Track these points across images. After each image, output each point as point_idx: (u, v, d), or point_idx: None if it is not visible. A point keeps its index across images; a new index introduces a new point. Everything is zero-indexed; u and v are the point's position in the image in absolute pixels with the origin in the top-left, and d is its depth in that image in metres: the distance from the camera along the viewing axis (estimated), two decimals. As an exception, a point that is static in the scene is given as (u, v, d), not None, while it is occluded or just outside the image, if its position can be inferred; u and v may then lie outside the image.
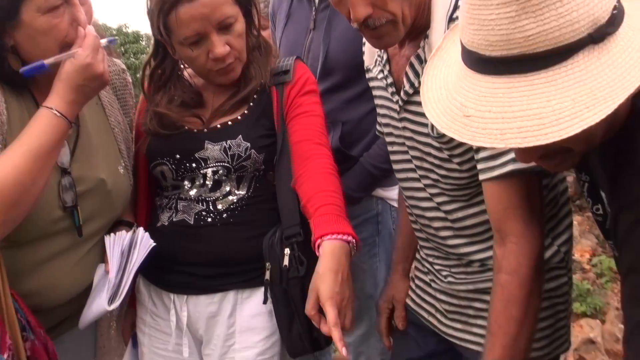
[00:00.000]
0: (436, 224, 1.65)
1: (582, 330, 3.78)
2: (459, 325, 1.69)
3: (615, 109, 0.97)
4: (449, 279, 1.68)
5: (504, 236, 1.40)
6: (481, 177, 1.42)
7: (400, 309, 1.89)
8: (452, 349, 1.74)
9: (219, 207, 1.81)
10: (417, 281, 1.85)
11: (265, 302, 1.80)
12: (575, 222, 4.51)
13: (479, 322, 1.63)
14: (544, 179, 1.48)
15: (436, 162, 1.55)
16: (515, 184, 1.38)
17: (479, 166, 1.42)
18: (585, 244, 5.60)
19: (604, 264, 5.24)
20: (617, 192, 1.15)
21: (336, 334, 1.47)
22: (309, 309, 1.55)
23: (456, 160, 1.49)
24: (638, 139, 1.12)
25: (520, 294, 1.36)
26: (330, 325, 1.48)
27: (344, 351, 1.45)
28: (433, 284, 1.75)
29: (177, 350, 1.90)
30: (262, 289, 1.81)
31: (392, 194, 2.20)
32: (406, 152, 1.65)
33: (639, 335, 1.09)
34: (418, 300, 1.83)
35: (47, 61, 1.56)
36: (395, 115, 1.63)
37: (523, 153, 1.17)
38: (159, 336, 1.92)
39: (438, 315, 1.75)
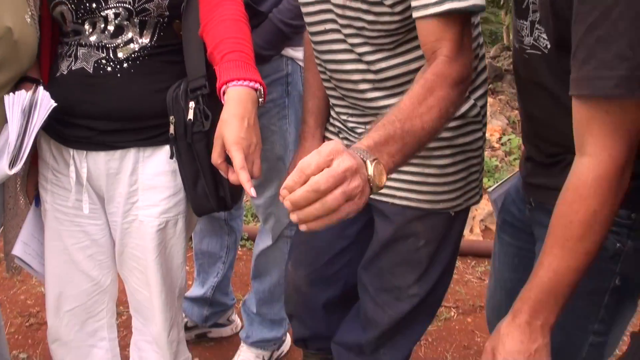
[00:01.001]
0: (355, 77, 1.61)
1: (488, 203, 3.92)
2: None
3: None
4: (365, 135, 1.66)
5: None
6: (415, 14, 1.38)
7: None
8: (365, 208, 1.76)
9: (120, 55, 1.70)
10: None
11: (172, 157, 1.75)
12: (487, 99, 4.59)
13: (393, 176, 1.61)
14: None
15: (364, 7, 1.48)
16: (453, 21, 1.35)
17: (413, 3, 1.37)
18: (495, 124, 5.75)
19: (512, 143, 5.42)
20: None
21: (243, 176, 1.44)
22: (215, 157, 1.52)
23: (388, 1, 1.44)
24: None
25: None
26: (237, 169, 1.45)
27: (252, 192, 1.42)
28: (346, 142, 1.72)
29: (78, 206, 1.84)
30: (165, 148, 1.76)
31: (302, 54, 2.13)
32: (326, 1, 1.57)
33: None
34: None
35: None
36: None
37: None
38: (61, 192, 1.85)
39: None
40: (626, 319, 1.44)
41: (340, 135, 1.75)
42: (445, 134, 1.58)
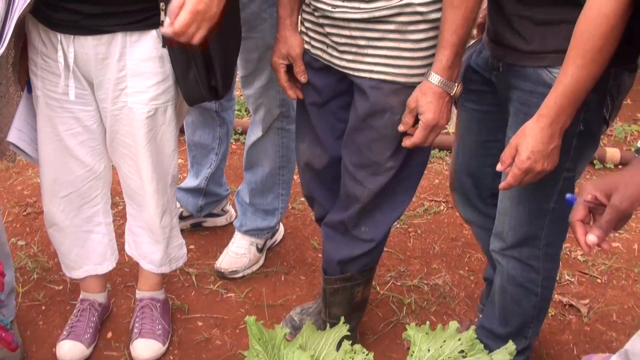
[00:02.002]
0: None
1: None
2: (350, 57, 1.73)
3: None
4: (341, 9, 1.67)
5: None
6: None
7: (299, 64, 1.87)
8: (351, 85, 1.80)
9: None
10: (306, 24, 1.83)
11: (163, 45, 1.75)
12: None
13: (370, 51, 1.69)
14: None
15: None
16: None
17: None
18: None
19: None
20: None
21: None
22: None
23: None
24: None
25: None
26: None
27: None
28: (322, 20, 1.74)
29: (67, 92, 1.85)
30: (152, 33, 1.77)
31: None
32: None
33: None
34: (311, 42, 1.82)
35: None
36: None
37: None
38: (51, 78, 1.86)
39: (330, 51, 1.77)
40: (589, 155, 1.76)
41: (316, 14, 1.75)
42: (420, 9, 1.62)
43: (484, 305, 2.38)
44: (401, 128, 1.72)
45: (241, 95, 4.03)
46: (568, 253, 2.89)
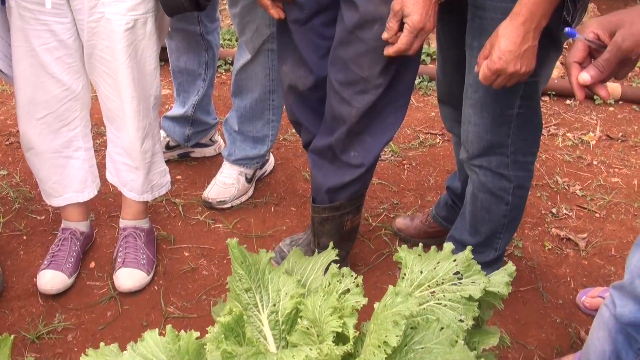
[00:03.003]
0: None
1: None
2: None
3: None
4: None
5: None
6: None
7: None
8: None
9: None
10: None
11: None
12: None
13: None
14: None
15: None
16: None
17: None
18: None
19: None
20: None
21: None
22: None
23: None
24: None
25: None
26: None
27: None
28: None
29: (41, 1, 1.73)
30: None
31: None
32: None
33: None
34: None
35: None
36: None
37: None
38: None
39: None
40: (553, 58, 1.72)
41: None
42: None
43: (436, 211, 2.39)
44: (384, 35, 1.59)
45: (231, 25, 3.89)
46: (566, 188, 2.82)
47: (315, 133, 1.93)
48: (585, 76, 1.12)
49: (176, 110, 2.72)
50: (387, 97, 1.75)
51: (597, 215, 2.67)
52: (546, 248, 2.45)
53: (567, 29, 1.18)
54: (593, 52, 1.15)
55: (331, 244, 1.45)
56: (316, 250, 2.07)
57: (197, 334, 1.13)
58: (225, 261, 2.31)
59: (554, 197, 2.76)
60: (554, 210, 2.67)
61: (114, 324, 2.04)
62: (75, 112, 1.97)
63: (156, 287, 2.18)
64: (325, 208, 1.98)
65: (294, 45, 1.82)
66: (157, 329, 1.16)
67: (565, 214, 2.66)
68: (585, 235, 2.54)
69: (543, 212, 2.66)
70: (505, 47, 1.42)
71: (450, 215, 2.31)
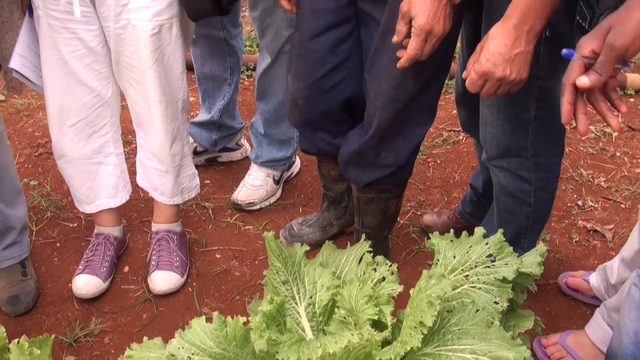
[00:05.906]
0: None
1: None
2: None
3: None
4: None
5: None
6: None
7: None
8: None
9: None
10: None
11: None
12: None
13: None
14: None
15: None
16: None
17: None
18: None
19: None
20: None
21: None
22: None
23: None
24: None
25: None
26: None
27: None
28: None
29: (69, 10, 1.78)
30: None
31: None
32: None
33: None
34: None
35: None
36: None
37: None
38: None
39: None
40: (564, 65, 1.59)
41: None
42: None
43: (462, 207, 2.39)
44: (394, 39, 1.52)
45: (252, 31, 3.94)
46: (591, 180, 2.82)
47: (316, 145, 1.99)
48: (584, 80, 1.11)
49: (202, 116, 2.76)
50: (419, 103, 1.74)
51: (623, 206, 2.67)
52: (573, 240, 2.45)
53: (564, 52, 1.19)
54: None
55: (363, 236, 1.47)
56: (361, 230, 2.08)
57: (244, 319, 1.16)
58: (256, 262, 2.34)
59: (579, 190, 2.76)
60: (579, 203, 2.67)
61: (149, 326, 2.08)
62: (105, 118, 2.01)
63: (190, 289, 2.22)
64: (370, 189, 1.97)
65: (302, 56, 1.84)
66: (204, 317, 1.19)
67: (591, 205, 2.66)
68: (611, 226, 2.54)
69: (569, 204, 2.66)
70: (494, 49, 1.34)
71: (477, 212, 2.32)
